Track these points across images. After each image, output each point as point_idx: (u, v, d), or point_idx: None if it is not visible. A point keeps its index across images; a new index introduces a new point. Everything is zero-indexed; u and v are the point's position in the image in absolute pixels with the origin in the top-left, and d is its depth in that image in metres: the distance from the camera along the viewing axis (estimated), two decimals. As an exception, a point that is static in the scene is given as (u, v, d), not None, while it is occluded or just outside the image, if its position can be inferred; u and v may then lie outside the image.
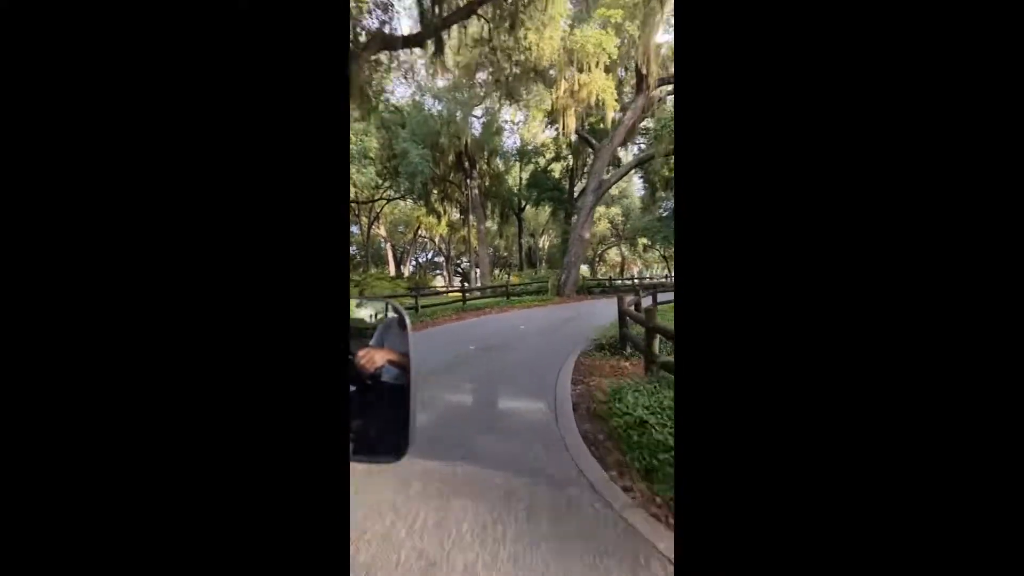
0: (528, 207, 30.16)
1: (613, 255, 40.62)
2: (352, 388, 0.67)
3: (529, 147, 27.28)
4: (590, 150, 20.09)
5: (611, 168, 18.64)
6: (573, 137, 22.20)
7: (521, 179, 28.09)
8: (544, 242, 36.48)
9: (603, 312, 11.95)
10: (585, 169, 25.59)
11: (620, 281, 23.10)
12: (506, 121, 26.70)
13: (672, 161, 19.64)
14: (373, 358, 0.69)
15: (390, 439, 0.68)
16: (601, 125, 20.22)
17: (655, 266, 45.67)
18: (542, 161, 27.40)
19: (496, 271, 34.51)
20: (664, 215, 33.23)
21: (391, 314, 0.83)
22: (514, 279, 21.24)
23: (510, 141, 28.09)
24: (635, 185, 38.49)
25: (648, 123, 19.73)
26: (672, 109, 15.18)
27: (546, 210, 31.34)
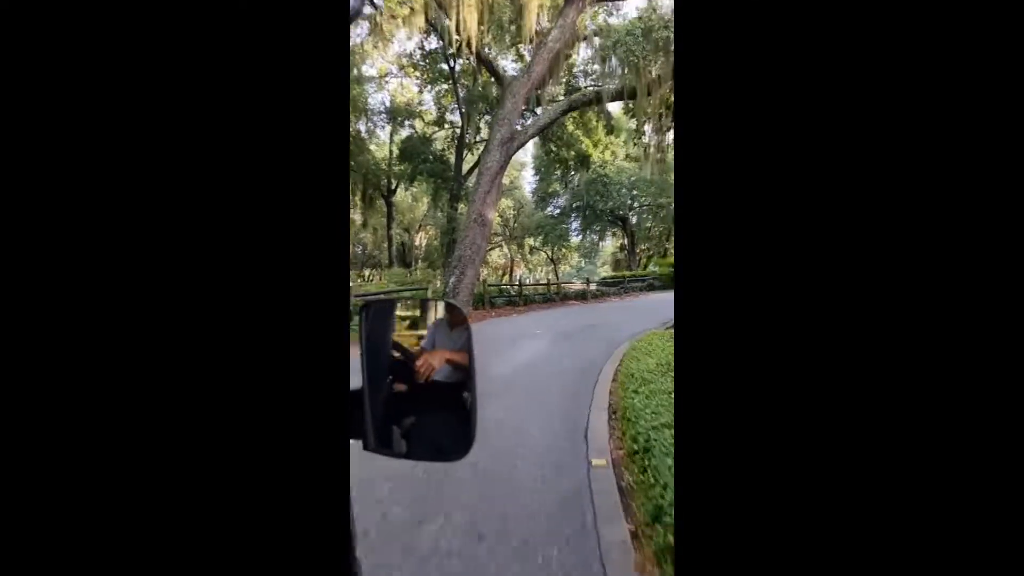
0: (401, 189, 23.40)
1: (496, 257, 35.39)
2: (404, 387, 0.69)
3: (405, 108, 20.55)
4: (494, 82, 14.00)
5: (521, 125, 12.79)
6: (459, 94, 16.16)
7: (392, 152, 21.24)
8: (422, 239, 29.74)
9: (537, 350, 5.99)
10: (480, 136, 19.67)
11: (523, 287, 17.58)
12: (373, 78, 19.75)
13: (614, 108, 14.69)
14: (431, 363, 0.69)
15: (449, 438, 0.68)
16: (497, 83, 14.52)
17: (540, 269, 42.25)
18: (419, 124, 20.89)
19: (367, 272, 27.03)
20: (556, 212, 29.28)
21: (441, 312, 0.80)
22: (378, 284, 14.30)
23: (377, 99, 21.13)
24: (526, 177, 33.97)
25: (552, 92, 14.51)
26: (629, 23, 10.01)
27: (424, 199, 24.91)
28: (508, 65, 17.23)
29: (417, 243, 29.14)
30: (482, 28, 10.93)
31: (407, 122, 20.83)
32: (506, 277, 32.49)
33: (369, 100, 19.36)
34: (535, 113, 15.81)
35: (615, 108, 16.96)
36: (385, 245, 23.89)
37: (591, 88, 13.14)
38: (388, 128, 21.23)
